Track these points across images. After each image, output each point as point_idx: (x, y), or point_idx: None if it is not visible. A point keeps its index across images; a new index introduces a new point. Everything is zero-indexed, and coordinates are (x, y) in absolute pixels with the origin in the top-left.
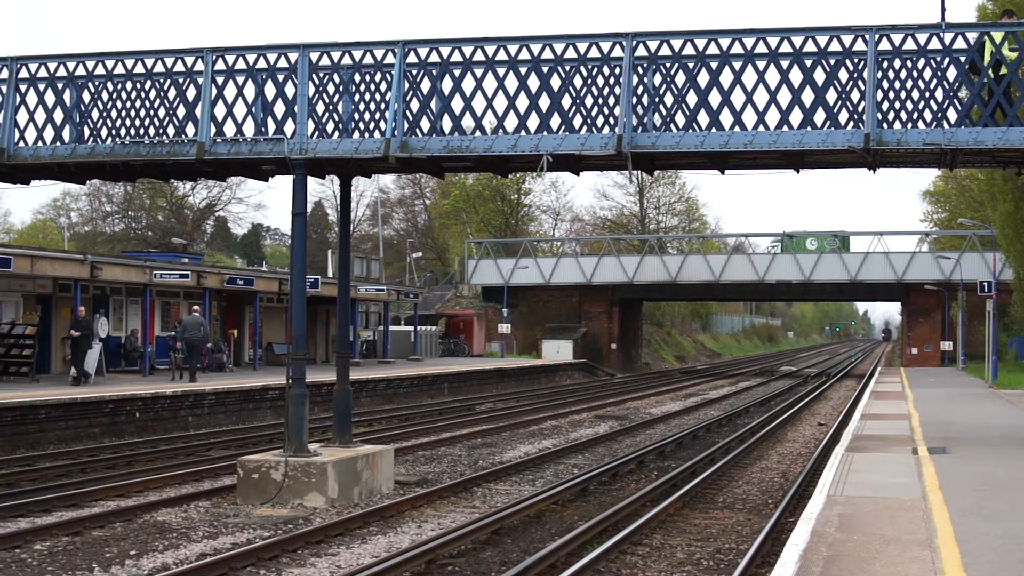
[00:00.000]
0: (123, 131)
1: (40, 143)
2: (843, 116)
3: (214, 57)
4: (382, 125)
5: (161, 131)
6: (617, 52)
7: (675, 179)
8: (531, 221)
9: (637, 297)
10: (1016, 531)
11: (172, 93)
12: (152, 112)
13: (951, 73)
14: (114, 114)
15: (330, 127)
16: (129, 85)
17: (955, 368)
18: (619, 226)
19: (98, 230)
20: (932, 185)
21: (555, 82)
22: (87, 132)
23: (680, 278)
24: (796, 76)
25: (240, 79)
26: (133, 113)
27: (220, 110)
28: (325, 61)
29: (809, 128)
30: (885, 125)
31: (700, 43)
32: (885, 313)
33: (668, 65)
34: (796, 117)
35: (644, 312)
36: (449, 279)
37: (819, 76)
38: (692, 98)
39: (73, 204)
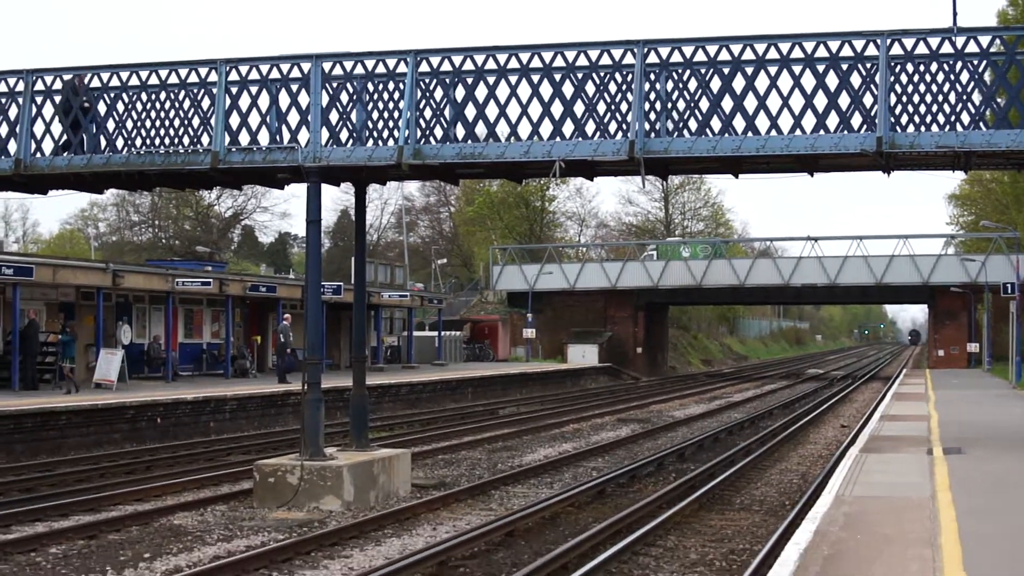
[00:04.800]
0: (138, 141)
1: (56, 154)
2: (856, 120)
3: (227, 68)
4: (395, 133)
5: (176, 141)
6: (629, 59)
7: (700, 185)
8: (556, 227)
9: (662, 301)
10: (1021, 529)
11: (187, 104)
12: (167, 122)
13: (964, 76)
14: (129, 124)
15: (343, 135)
16: (144, 96)
17: (981, 369)
18: (644, 231)
19: (125, 240)
20: (958, 188)
21: (567, 89)
22: (103, 142)
23: (705, 282)
24: (808, 81)
25: (254, 89)
26: (148, 123)
27: (234, 120)
28: (338, 71)
29: (822, 132)
30: (898, 129)
31: (712, 49)
32: (913, 316)
33: (680, 71)
34: (809, 121)
35: (670, 316)
36: (474, 285)
37: (831, 81)
38: (704, 103)
39: (100, 214)
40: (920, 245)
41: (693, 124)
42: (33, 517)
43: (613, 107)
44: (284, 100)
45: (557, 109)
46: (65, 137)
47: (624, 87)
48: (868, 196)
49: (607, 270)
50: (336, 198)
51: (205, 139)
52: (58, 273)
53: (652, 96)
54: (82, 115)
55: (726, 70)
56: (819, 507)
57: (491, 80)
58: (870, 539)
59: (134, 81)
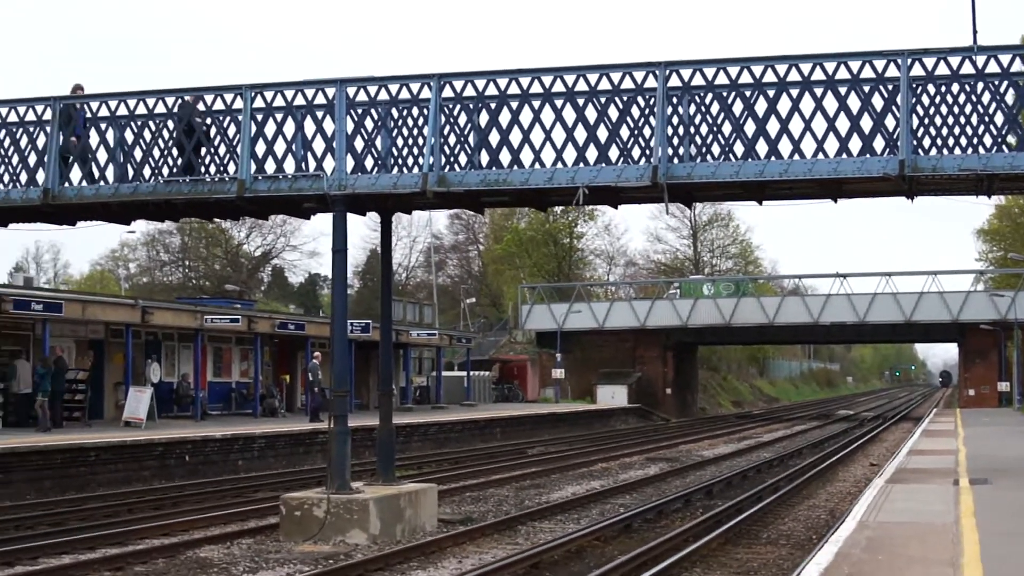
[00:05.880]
0: (165, 170)
1: (84, 183)
2: (879, 144)
3: (253, 94)
4: (420, 159)
5: (203, 169)
6: (651, 82)
7: (728, 221)
8: (584, 265)
9: (691, 341)
10: None
11: (213, 131)
12: (193, 150)
13: (985, 97)
14: (156, 152)
15: (368, 162)
16: (171, 123)
17: (1012, 408)
18: (673, 270)
19: (155, 280)
20: (986, 223)
21: (591, 113)
22: (131, 171)
23: (734, 321)
24: (831, 103)
25: (279, 116)
26: (176, 152)
27: (260, 147)
28: (362, 96)
29: (844, 156)
30: (920, 151)
31: (733, 71)
32: (944, 358)
33: (702, 94)
34: (832, 145)
35: (700, 357)
36: (503, 324)
37: (853, 103)
38: (727, 127)
39: (131, 255)
40: (949, 282)
41: (716, 149)
42: (60, 550)
43: (636, 131)
44: (309, 127)
45: (580, 134)
46: (181, 161)
47: (647, 111)
48: (896, 232)
49: (636, 309)
50: (364, 236)
51: (232, 167)
52: (87, 309)
53: (675, 120)
54: (186, 138)
55: (748, 92)
56: (842, 531)
57: (514, 105)
58: (892, 559)
59: (160, 108)
